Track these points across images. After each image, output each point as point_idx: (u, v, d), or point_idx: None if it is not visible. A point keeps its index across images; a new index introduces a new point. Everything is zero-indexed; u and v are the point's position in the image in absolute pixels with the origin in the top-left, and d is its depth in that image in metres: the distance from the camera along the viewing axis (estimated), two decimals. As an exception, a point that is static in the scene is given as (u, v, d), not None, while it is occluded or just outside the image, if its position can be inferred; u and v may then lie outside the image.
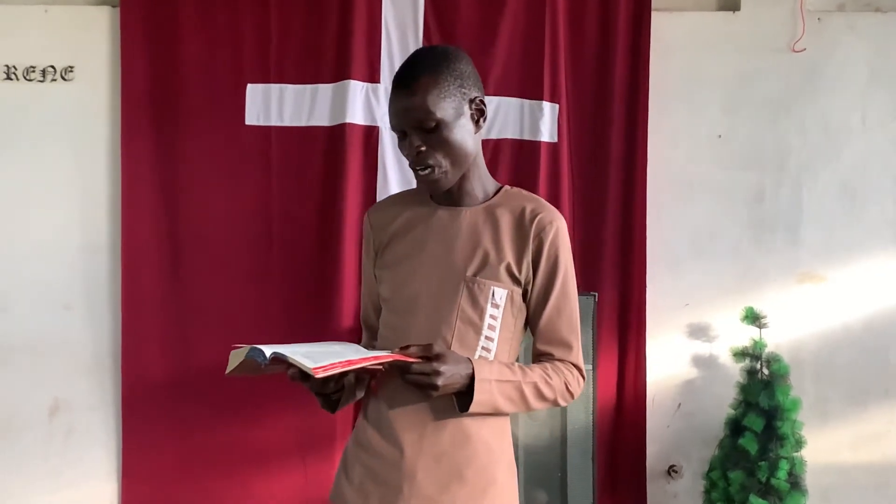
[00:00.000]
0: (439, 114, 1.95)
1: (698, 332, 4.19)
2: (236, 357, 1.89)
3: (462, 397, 1.94)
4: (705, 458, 4.02)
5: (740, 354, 3.90)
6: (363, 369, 1.93)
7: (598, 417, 3.74)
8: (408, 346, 1.92)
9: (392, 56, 4.01)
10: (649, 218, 4.10)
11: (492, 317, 2.00)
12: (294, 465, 3.97)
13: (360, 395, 2.11)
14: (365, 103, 3.99)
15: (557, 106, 4.07)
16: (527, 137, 4.08)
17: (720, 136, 4.20)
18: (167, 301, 4.04)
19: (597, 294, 3.77)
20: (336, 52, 4.01)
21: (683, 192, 4.19)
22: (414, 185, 2.25)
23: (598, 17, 4.12)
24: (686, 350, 4.19)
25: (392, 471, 1.98)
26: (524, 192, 2.14)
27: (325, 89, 4.02)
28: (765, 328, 3.91)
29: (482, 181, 2.10)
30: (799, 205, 4.20)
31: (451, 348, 1.97)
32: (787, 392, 3.80)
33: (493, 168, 4.04)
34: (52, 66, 4.06)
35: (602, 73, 4.12)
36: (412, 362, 1.88)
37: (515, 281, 2.02)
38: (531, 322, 2.08)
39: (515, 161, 4.09)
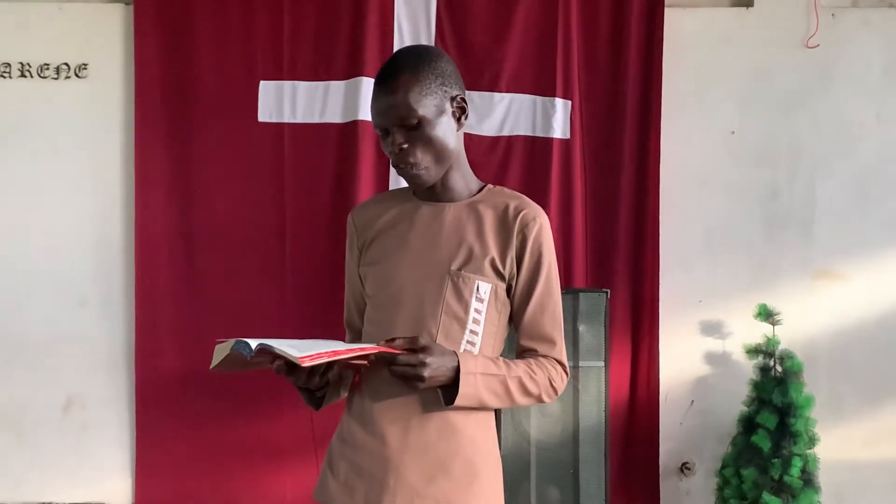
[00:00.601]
0: (421, 111, 1.96)
1: (711, 328, 4.18)
2: (221, 351, 1.89)
3: (447, 390, 1.95)
4: (718, 455, 4.01)
5: (753, 351, 3.89)
6: (347, 364, 1.94)
7: (610, 414, 3.74)
8: (394, 339, 1.93)
9: (405, 53, 4.01)
10: (662, 214, 4.10)
11: (476, 311, 2.01)
12: (308, 460, 3.98)
13: (345, 394, 2.12)
14: (377, 100, 3.99)
15: (570, 102, 4.06)
16: (539, 134, 4.08)
17: (734, 133, 4.19)
18: (181, 296, 4.06)
19: (609, 291, 3.77)
20: (349, 49, 4.03)
21: (697, 189, 4.18)
22: None
23: (611, 13, 4.11)
24: (699, 347, 4.18)
25: (377, 464, 1.98)
26: (507, 189, 2.15)
27: (337, 86, 4.03)
28: (778, 325, 3.90)
29: (465, 178, 2.11)
30: (813, 201, 4.19)
31: (436, 342, 1.98)
32: (800, 389, 3.79)
33: (505, 165, 4.07)
34: (66, 64, 4.08)
35: (615, 70, 4.12)
36: (398, 354, 1.89)
37: (499, 276, 2.03)
38: (515, 318, 2.08)
39: (528, 158, 4.09)
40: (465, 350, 1.99)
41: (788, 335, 3.94)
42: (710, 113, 4.19)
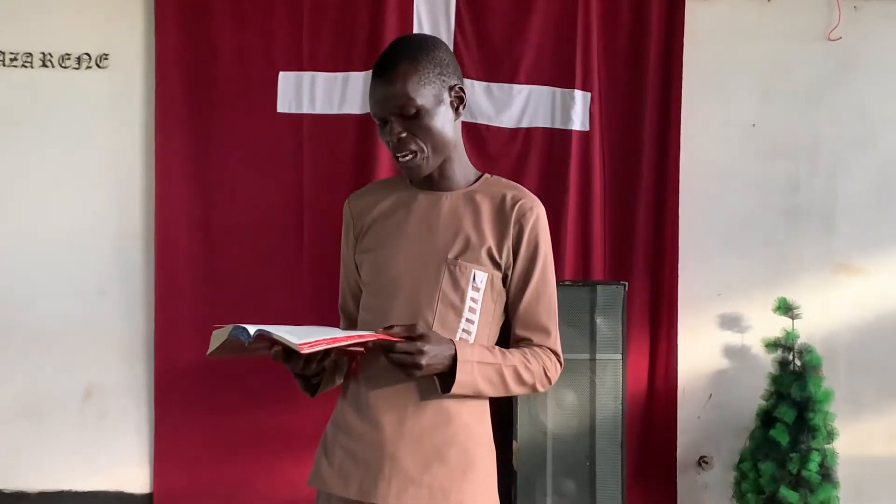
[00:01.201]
0: (419, 100, 1.97)
1: (730, 322, 4.16)
2: (218, 337, 1.88)
3: (444, 378, 1.96)
4: (736, 449, 4.00)
5: (772, 345, 3.88)
6: (343, 352, 1.95)
7: (627, 407, 3.73)
8: (391, 327, 1.94)
9: (424, 44, 4.01)
10: (681, 207, 4.08)
11: (472, 300, 2.02)
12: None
13: (340, 381, 2.14)
14: (397, 91, 3.99)
15: (589, 94, 4.05)
16: (558, 126, 4.07)
17: (754, 125, 4.17)
18: (200, 287, 4.08)
19: (626, 283, 3.76)
20: (368, 39, 4.03)
21: (716, 182, 4.16)
22: None
23: (630, 4, 4.10)
24: (717, 340, 4.17)
25: (372, 451, 1.99)
26: (504, 179, 2.16)
27: (356, 77, 4.04)
28: (797, 319, 3.88)
29: (463, 168, 2.12)
30: (833, 195, 4.16)
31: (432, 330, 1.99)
32: (819, 383, 3.77)
33: (524, 157, 4.06)
34: (87, 54, 4.10)
35: (635, 61, 4.11)
36: (396, 342, 1.89)
37: (496, 265, 2.04)
38: (510, 307, 2.09)
39: (547, 150, 4.08)
40: (460, 338, 2.00)
41: (808, 329, 3.92)
42: (731, 105, 4.17)
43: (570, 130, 4.04)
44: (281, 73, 4.05)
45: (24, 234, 4.12)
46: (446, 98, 2.02)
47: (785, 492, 3.64)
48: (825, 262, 4.17)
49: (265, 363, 1.99)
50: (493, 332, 2.08)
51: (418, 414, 1.99)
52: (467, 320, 2.02)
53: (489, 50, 4.07)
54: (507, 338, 2.12)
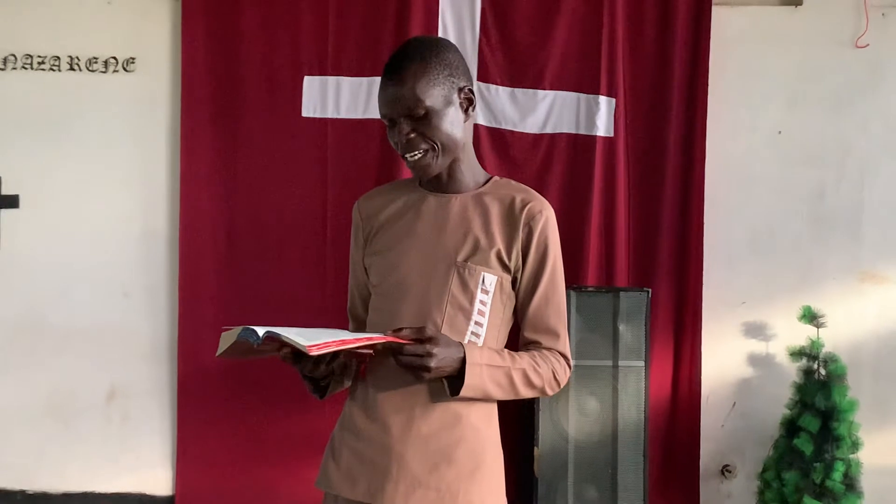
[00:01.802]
0: (429, 101, 1.97)
1: (755, 330, 4.14)
2: (227, 339, 1.88)
3: (452, 381, 1.96)
4: (760, 458, 3.98)
5: (797, 354, 3.85)
6: (352, 354, 1.94)
7: (651, 414, 3.72)
8: (400, 329, 1.94)
9: (449, 50, 4.02)
10: (707, 214, 4.07)
11: (481, 303, 2.02)
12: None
13: (348, 383, 2.13)
14: (421, 96, 4.00)
15: (614, 100, 4.04)
16: (583, 132, 4.06)
17: (780, 132, 4.15)
18: (224, 289, 4.10)
19: (650, 290, 3.74)
20: (393, 44, 4.02)
21: (742, 188, 4.14)
22: None
23: (657, 10, 4.09)
24: (742, 348, 4.15)
25: (380, 453, 1.99)
26: (513, 182, 2.16)
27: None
28: (823, 327, 3.86)
29: (472, 169, 2.12)
30: (860, 202, 4.13)
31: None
32: (844, 393, 3.74)
33: (548, 162, 4.06)
34: (114, 58, 4.13)
35: (661, 67, 4.09)
36: (405, 344, 1.89)
37: (505, 268, 2.04)
38: (519, 310, 2.09)
39: (571, 155, 4.07)
40: (469, 341, 2.00)
41: (833, 338, 3.90)
42: (757, 112, 4.15)
43: (595, 136, 4.03)
44: (306, 78, 4.07)
45: (50, 235, 4.15)
46: (455, 99, 2.02)
47: (809, 502, 3.62)
48: (851, 270, 4.14)
49: (287, 366, 2.00)
50: (503, 335, 2.08)
51: (426, 415, 1.99)
52: (476, 323, 2.02)
53: (514, 55, 4.07)
54: (515, 340, 2.12)
